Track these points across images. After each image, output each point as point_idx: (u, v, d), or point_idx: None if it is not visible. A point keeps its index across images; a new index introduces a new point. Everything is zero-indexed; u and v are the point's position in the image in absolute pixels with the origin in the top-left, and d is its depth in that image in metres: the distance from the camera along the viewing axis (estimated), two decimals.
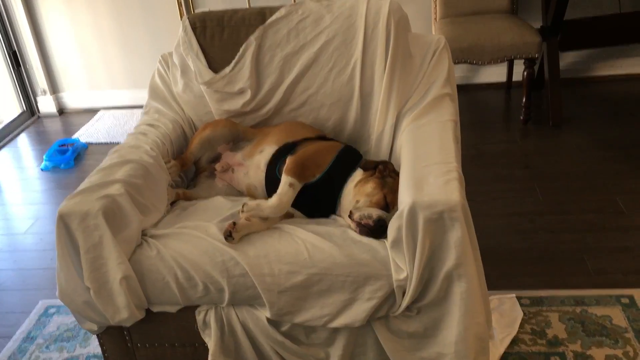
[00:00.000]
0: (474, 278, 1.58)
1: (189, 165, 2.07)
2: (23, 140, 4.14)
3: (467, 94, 4.01)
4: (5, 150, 4.01)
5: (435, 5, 3.71)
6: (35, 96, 4.34)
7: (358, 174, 1.81)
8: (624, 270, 2.31)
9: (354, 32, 2.06)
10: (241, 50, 2.10)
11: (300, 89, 2.11)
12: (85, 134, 3.96)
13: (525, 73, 3.38)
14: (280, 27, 2.10)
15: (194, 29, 2.14)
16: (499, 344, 2.00)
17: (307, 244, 1.67)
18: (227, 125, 2.05)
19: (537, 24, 3.56)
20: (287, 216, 1.84)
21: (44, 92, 4.33)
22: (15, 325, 2.39)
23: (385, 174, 1.78)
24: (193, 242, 1.71)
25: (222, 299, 1.71)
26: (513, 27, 3.33)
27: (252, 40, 2.09)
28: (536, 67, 3.40)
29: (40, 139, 4.11)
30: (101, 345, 1.89)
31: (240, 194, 2.03)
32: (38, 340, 2.29)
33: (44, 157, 3.64)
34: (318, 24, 2.09)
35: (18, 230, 3.06)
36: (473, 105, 3.88)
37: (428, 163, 1.69)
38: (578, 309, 2.15)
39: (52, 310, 2.41)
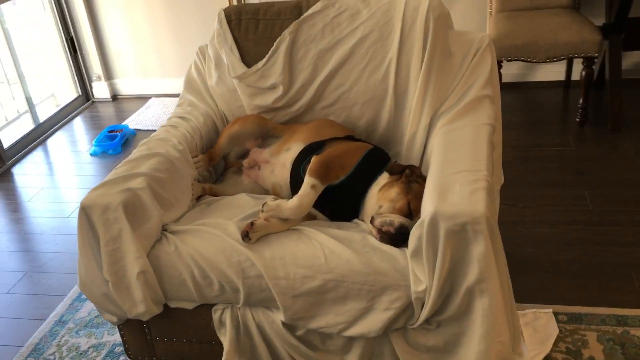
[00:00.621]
0: (498, 295, 1.49)
1: (217, 160, 2.05)
2: (78, 124, 4.25)
3: (522, 92, 3.85)
4: (61, 132, 4.13)
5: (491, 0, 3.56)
6: (90, 82, 4.45)
7: (384, 177, 1.74)
8: None
9: (390, 28, 1.99)
10: (275, 44, 2.06)
11: (333, 86, 2.06)
12: (134, 121, 4.02)
13: (583, 73, 3.20)
14: (315, 21, 2.04)
15: (229, 21, 2.12)
16: None
17: (325, 248, 1.62)
18: (256, 121, 2.02)
19: (600, 21, 3.37)
20: (310, 218, 1.79)
21: (99, 78, 4.43)
22: (50, 308, 2.44)
23: (412, 179, 1.71)
24: (211, 240, 1.68)
25: (237, 299, 1.69)
26: (572, 24, 3.16)
27: (286, 35, 2.05)
28: (595, 67, 3.20)
29: (94, 124, 4.21)
30: (122, 336, 1.90)
31: (266, 192, 1.99)
32: (69, 325, 2.33)
33: (94, 142, 3.72)
34: (354, 19, 2.02)
35: (63, 214, 3.13)
36: (527, 105, 3.71)
37: (456, 170, 1.60)
38: (619, 330, 2.02)
39: (85, 296, 2.45)
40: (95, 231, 1.66)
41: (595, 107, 3.49)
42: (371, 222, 1.65)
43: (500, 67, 3.28)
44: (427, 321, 1.59)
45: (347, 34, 2.02)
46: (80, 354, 2.19)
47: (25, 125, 4.03)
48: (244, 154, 2.05)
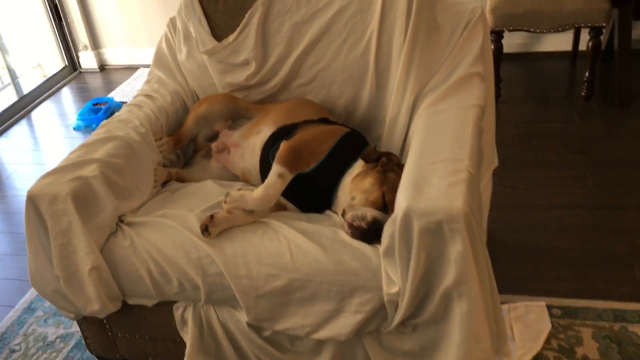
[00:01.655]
0: (478, 298, 1.35)
1: (184, 143, 1.91)
2: (65, 95, 4.11)
3: (526, 63, 3.65)
4: (47, 103, 4.00)
5: None
6: (77, 51, 4.28)
7: (358, 166, 1.59)
8: None
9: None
10: (246, 16, 1.89)
11: (309, 63, 1.89)
12: (120, 93, 3.87)
13: (590, 43, 3.00)
14: None
15: None
16: None
17: (292, 244, 1.48)
18: (225, 101, 1.86)
19: None
20: (280, 208, 1.65)
21: (86, 47, 4.26)
22: (20, 294, 2.34)
23: (388, 168, 1.55)
24: (169, 234, 1.55)
25: (198, 297, 1.56)
26: None
27: (259, 6, 1.88)
28: (603, 37, 3.00)
29: (81, 95, 4.06)
30: (82, 332, 1.79)
31: (235, 177, 1.85)
32: (38, 313, 2.23)
33: (77, 115, 3.58)
34: None
35: None
36: (531, 77, 3.52)
37: (435, 159, 1.45)
38: (617, 326, 1.88)
39: None
40: (44, 223, 1.53)
41: (603, 81, 3.29)
42: (342, 215, 1.51)
43: (501, 37, 3.08)
44: (403, 324, 1.45)
45: (324, 4, 1.84)
46: (47, 344, 2.09)
47: (9, 98, 3.89)
48: (214, 137, 1.90)
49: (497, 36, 3.07)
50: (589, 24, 2.93)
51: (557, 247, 2.23)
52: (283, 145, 1.60)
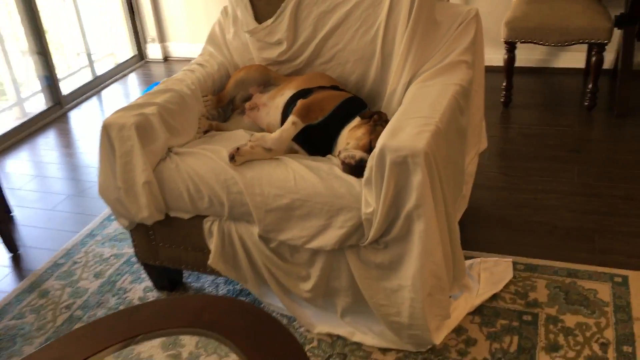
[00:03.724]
0: (432, 220, 1.76)
1: (224, 102, 2.38)
2: (132, 79, 4.69)
3: (542, 76, 4.02)
4: (116, 85, 4.59)
5: None
6: (145, 43, 4.88)
7: (355, 121, 2.03)
8: (630, 253, 2.35)
9: None
10: (282, 5, 2.36)
11: (330, 45, 2.34)
12: None
13: (593, 58, 3.36)
14: None
15: None
16: (475, 297, 2.15)
17: (296, 173, 1.92)
18: (259, 70, 2.34)
19: (621, 11, 3.49)
20: (292, 151, 2.10)
21: (153, 40, 4.85)
22: (84, 224, 2.85)
23: (378, 122, 1.98)
24: (204, 161, 2.02)
25: (223, 212, 2.01)
26: (586, 11, 3.32)
27: None
28: (605, 54, 3.35)
29: (145, 80, 4.64)
30: (133, 240, 2.27)
31: (262, 130, 2.30)
32: (97, 238, 2.73)
33: (141, 93, 4.13)
34: None
35: None
36: (544, 88, 3.88)
37: (413, 116, 1.87)
38: (568, 280, 2.23)
39: (113, 217, 2.85)
40: (113, 145, 2.02)
41: (609, 95, 3.62)
42: (338, 155, 1.94)
43: (514, 48, 3.47)
44: (377, 242, 1.86)
45: None
46: (104, 260, 2.58)
47: (85, 78, 4.49)
48: (248, 99, 2.37)
49: (510, 47, 3.46)
50: (593, 41, 3.29)
51: (534, 221, 2.59)
52: (299, 102, 2.05)
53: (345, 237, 1.87)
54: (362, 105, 2.14)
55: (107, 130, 2.02)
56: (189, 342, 1.45)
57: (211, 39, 2.57)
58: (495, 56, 3.81)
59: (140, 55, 4.92)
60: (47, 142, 3.76)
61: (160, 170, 2.06)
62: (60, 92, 4.13)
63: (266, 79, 2.35)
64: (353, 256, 1.93)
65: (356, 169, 1.88)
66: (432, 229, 1.76)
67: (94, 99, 4.36)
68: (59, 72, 4.20)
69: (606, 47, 3.32)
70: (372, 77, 2.31)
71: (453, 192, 2.02)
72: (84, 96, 4.33)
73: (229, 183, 1.96)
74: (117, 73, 4.68)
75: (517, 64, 4.06)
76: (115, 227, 2.78)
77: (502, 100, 3.62)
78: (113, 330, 1.43)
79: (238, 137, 2.19)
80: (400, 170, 1.73)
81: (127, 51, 4.89)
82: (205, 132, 2.30)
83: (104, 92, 4.46)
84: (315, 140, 2.07)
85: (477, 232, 2.56)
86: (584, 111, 3.51)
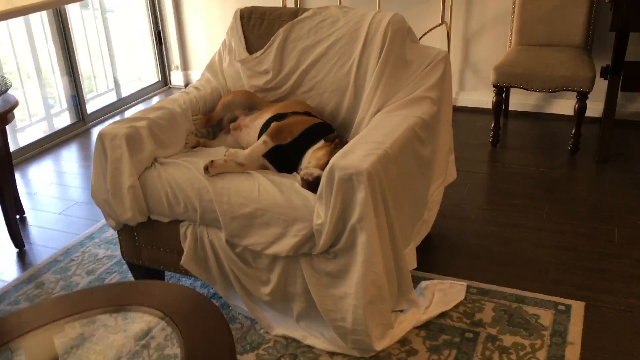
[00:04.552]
0: (374, 233, 1.96)
1: (213, 122, 2.64)
2: (154, 102, 5.02)
3: (535, 121, 4.20)
4: (140, 105, 4.95)
5: (511, 34, 3.97)
6: (169, 70, 5.24)
7: (320, 143, 2.26)
8: (580, 285, 2.49)
9: (358, 34, 2.51)
10: (272, 39, 2.64)
11: (310, 76, 2.60)
12: None
13: (576, 106, 3.54)
14: (304, 24, 2.60)
15: (242, 18, 2.72)
16: (423, 312, 2.31)
17: (261, 186, 2.15)
18: (245, 95, 2.60)
19: (608, 62, 3.67)
20: (264, 167, 2.33)
21: (177, 67, 5.20)
22: (85, 229, 3.13)
23: (339, 145, 2.21)
24: (183, 171, 2.27)
25: (196, 217, 2.25)
26: (571, 61, 3.51)
27: (281, 33, 2.62)
28: (596, 103, 3.52)
29: None
30: (119, 241, 2.52)
31: (243, 149, 2.55)
32: (95, 240, 3.00)
33: None
34: (333, 25, 2.56)
35: None
36: (534, 132, 4.06)
37: (366, 141, 2.09)
38: (514, 305, 2.39)
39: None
40: (105, 153, 2.29)
41: (594, 141, 3.78)
42: (299, 172, 2.17)
43: (502, 91, 3.67)
44: (327, 252, 2.07)
45: (326, 36, 2.56)
46: (97, 259, 2.84)
47: (110, 99, 4.85)
48: (234, 120, 2.63)
49: (498, 90, 3.67)
50: (575, 89, 3.47)
51: (495, 251, 2.76)
52: (272, 124, 2.30)
53: (298, 245, 2.08)
54: (328, 130, 2.37)
55: (102, 139, 2.29)
56: (136, 315, 1.68)
57: (210, 66, 2.86)
58: (488, 99, 4.01)
59: (164, 81, 5.27)
60: (70, 155, 4.09)
61: (144, 177, 2.31)
62: (85, 110, 4.48)
63: (251, 103, 2.61)
64: (307, 264, 2.14)
65: (313, 185, 2.10)
66: (373, 241, 1.96)
67: (117, 118, 4.70)
68: (87, 94, 4.56)
69: (588, 95, 3.50)
70: (345, 106, 2.55)
71: (407, 214, 2.22)
72: (108, 115, 4.68)
73: (202, 191, 2.21)
74: (141, 96, 5.04)
75: (513, 107, 4.29)
76: (112, 232, 3.05)
77: (490, 140, 3.81)
78: (74, 304, 1.66)
79: (218, 152, 2.45)
80: (346, 187, 1.95)
81: (153, 77, 5.26)
82: (193, 147, 2.56)
83: (127, 112, 4.81)
84: (284, 158, 2.30)
85: (440, 257, 2.74)
86: (568, 155, 3.67)
